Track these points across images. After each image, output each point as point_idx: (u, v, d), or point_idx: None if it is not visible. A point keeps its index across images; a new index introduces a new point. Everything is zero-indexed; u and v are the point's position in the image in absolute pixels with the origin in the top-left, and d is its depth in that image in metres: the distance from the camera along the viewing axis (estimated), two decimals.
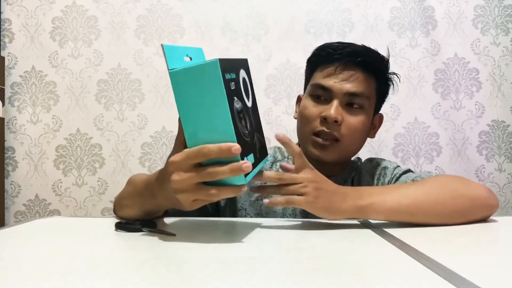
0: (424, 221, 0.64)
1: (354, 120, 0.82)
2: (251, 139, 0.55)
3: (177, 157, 0.51)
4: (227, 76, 0.50)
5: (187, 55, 0.56)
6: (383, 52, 0.88)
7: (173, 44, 1.65)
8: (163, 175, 0.55)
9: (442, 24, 1.68)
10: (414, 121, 1.67)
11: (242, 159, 0.50)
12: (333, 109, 0.80)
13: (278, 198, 0.62)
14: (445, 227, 0.63)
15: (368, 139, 0.92)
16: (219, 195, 0.52)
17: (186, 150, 0.51)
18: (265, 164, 0.62)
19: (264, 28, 1.66)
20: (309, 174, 0.62)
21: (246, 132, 0.54)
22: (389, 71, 0.89)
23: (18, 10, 1.64)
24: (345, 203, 0.62)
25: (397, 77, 0.91)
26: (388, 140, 1.65)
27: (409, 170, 0.90)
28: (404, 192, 0.66)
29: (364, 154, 1.68)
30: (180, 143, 0.54)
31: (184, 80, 0.50)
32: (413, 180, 0.83)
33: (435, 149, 1.67)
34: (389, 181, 0.88)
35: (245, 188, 0.52)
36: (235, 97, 0.51)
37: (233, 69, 0.53)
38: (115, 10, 1.65)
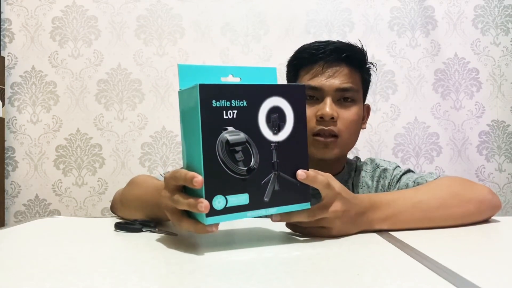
0: (431, 226, 0.64)
1: (348, 114, 0.84)
2: (256, 177, 0.49)
3: (168, 174, 0.51)
4: (217, 104, 0.47)
5: (231, 74, 0.52)
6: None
7: (173, 44, 1.65)
8: None
9: (442, 24, 1.68)
10: (414, 121, 1.67)
11: (209, 196, 0.46)
12: (327, 106, 0.81)
13: (298, 228, 0.59)
14: (447, 228, 0.63)
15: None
16: (181, 225, 0.50)
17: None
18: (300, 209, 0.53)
19: (264, 28, 1.66)
20: (337, 206, 0.56)
21: (243, 168, 0.48)
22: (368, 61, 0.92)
23: (18, 10, 1.64)
24: (360, 221, 0.60)
25: (373, 65, 0.94)
26: (388, 140, 1.65)
27: (409, 170, 0.90)
28: (415, 202, 0.65)
29: (364, 154, 1.69)
30: None
31: (183, 101, 0.50)
32: (414, 182, 0.83)
33: (435, 149, 1.67)
34: (389, 183, 0.88)
35: (212, 230, 0.47)
36: (228, 127, 0.47)
37: (237, 95, 0.48)
38: (115, 10, 1.65)
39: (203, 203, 0.45)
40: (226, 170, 0.47)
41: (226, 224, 0.71)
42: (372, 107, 1.65)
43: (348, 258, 0.46)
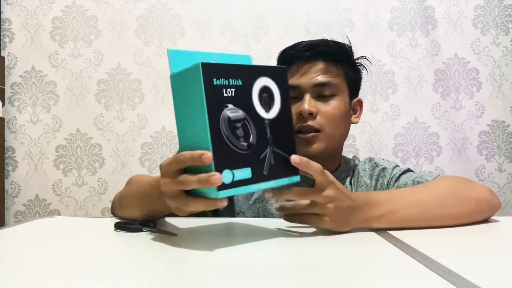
0: (430, 226, 0.64)
1: (329, 109, 0.84)
2: (255, 152, 0.51)
3: (165, 161, 0.51)
4: (217, 82, 0.48)
5: (214, 60, 0.53)
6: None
7: (173, 44, 1.65)
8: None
9: (442, 24, 1.68)
10: (414, 121, 1.67)
11: (219, 170, 0.47)
12: (305, 103, 0.82)
13: (294, 217, 0.61)
14: (445, 227, 0.63)
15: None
16: (191, 207, 0.50)
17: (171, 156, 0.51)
18: (291, 183, 0.56)
19: (264, 28, 1.66)
20: (331, 192, 0.57)
21: (244, 144, 0.50)
22: (355, 57, 0.92)
23: (18, 10, 1.64)
24: (356, 217, 0.60)
25: (367, 60, 0.94)
26: (388, 140, 1.65)
27: (408, 170, 0.90)
28: (412, 200, 0.65)
29: (364, 154, 1.69)
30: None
31: (178, 84, 0.50)
32: (413, 181, 0.82)
33: (435, 149, 1.67)
34: (388, 181, 0.88)
35: (222, 203, 0.48)
36: (229, 105, 0.49)
37: (234, 75, 0.50)
38: (115, 10, 1.65)
39: (216, 175, 0.46)
40: (230, 145, 0.49)
41: (226, 224, 0.71)
42: (372, 107, 1.65)
43: (348, 258, 0.46)
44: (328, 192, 0.57)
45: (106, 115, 1.64)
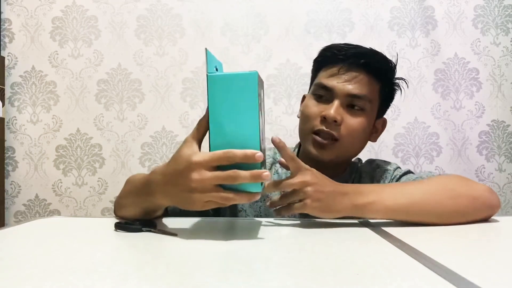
0: (422, 220, 0.64)
1: (353, 122, 0.82)
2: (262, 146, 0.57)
3: (200, 157, 0.52)
4: (258, 89, 0.53)
5: (215, 67, 0.58)
6: (392, 56, 0.89)
7: (173, 44, 1.65)
8: (174, 172, 0.55)
9: (442, 24, 1.68)
10: (414, 121, 1.67)
11: (262, 167, 0.52)
12: (333, 109, 0.80)
13: (282, 209, 0.65)
14: (445, 227, 0.63)
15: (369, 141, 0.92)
16: (235, 200, 0.53)
17: (211, 152, 0.53)
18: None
19: (264, 28, 1.66)
20: (305, 177, 0.62)
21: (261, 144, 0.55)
22: (396, 76, 0.89)
23: (18, 10, 1.64)
24: (342, 202, 0.63)
25: (405, 82, 0.91)
26: (388, 140, 1.65)
27: (409, 171, 0.90)
28: (401, 191, 0.66)
29: (364, 154, 1.68)
30: (203, 131, 0.56)
31: (221, 85, 0.53)
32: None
33: (435, 149, 1.67)
34: (389, 183, 0.88)
35: (258, 196, 0.53)
36: (260, 108, 0.54)
37: (260, 82, 0.55)
38: (115, 10, 1.65)
39: (267, 172, 0.51)
40: (261, 142, 0.54)
41: (226, 224, 0.71)
42: None
43: (348, 258, 0.46)
44: (302, 177, 0.62)
45: (106, 115, 1.64)
